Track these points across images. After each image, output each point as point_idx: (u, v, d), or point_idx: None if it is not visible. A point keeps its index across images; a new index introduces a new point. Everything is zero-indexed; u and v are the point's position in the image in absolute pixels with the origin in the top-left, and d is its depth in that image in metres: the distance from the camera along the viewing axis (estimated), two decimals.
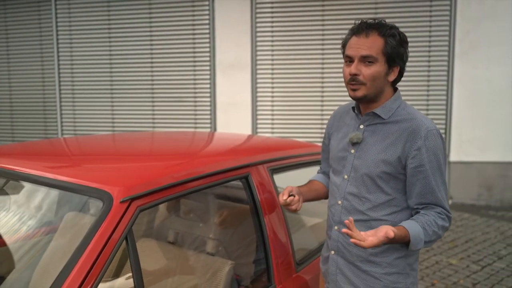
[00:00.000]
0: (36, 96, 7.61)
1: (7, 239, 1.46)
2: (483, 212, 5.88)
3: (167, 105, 6.99)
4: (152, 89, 7.04)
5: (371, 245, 1.35)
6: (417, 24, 6.05)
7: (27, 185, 1.54)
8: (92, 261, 1.12)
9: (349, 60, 1.57)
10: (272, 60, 6.55)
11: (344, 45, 1.61)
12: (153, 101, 7.06)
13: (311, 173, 2.29)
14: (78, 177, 1.35)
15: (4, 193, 1.61)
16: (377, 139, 1.57)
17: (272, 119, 6.62)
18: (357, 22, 1.60)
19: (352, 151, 1.61)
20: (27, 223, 1.49)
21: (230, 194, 2.06)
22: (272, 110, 6.61)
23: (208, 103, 6.82)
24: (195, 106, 6.90)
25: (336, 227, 1.66)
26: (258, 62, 6.58)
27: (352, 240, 1.36)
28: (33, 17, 7.41)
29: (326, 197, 1.81)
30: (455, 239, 4.86)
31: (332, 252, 1.68)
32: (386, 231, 1.37)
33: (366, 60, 1.52)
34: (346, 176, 1.63)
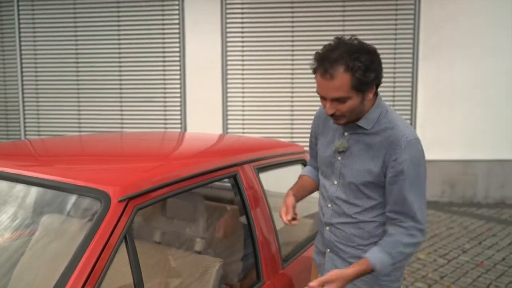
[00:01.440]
0: None
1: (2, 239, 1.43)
2: (447, 209, 6.12)
3: (136, 106, 6.90)
4: (121, 89, 6.92)
5: None
6: (383, 27, 6.23)
7: (18, 186, 1.51)
8: (94, 260, 1.12)
9: (321, 97, 1.56)
10: (242, 59, 6.58)
11: (313, 72, 1.58)
12: (121, 102, 6.95)
13: (293, 171, 2.34)
14: (74, 178, 1.34)
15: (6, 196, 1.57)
16: (361, 148, 1.60)
17: (243, 119, 6.65)
18: (318, 51, 1.56)
19: (339, 158, 1.65)
20: (24, 224, 1.47)
21: (217, 194, 2.08)
22: (243, 109, 6.64)
23: (178, 103, 6.78)
24: (165, 106, 6.84)
25: (327, 228, 1.72)
26: (228, 61, 6.60)
27: None
28: None
29: (317, 190, 1.85)
30: None
31: (328, 250, 1.74)
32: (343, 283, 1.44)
33: (338, 100, 1.51)
34: (335, 182, 1.67)
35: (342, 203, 1.64)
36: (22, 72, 7.16)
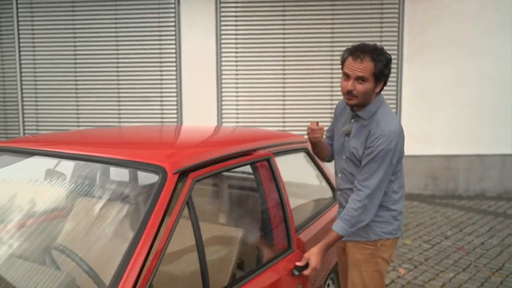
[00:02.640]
0: None
1: (89, 208, 1.71)
2: (430, 201, 6.50)
3: (133, 104, 7.13)
4: (118, 88, 7.16)
5: (316, 265, 1.99)
6: (370, 30, 6.59)
7: (92, 165, 1.81)
8: (157, 224, 1.39)
9: (346, 76, 2.01)
10: (236, 59, 6.87)
11: (342, 62, 2.05)
12: (119, 101, 7.18)
13: (297, 159, 2.65)
14: (137, 157, 1.63)
15: (79, 173, 1.85)
16: (357, 132, 2.08)
17: (237, 117, 6.94)
18: (355, 44, 2.06)
19: (346, 138, 2.15)
20: (96, 195, 1.75)
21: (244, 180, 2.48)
22: (237, 107, 6.93)
23: (175, 102, 7.04)
24: (162, 104, 7.09)
25: (339, 193, 2.23)
26: (223, 61, 6.88)
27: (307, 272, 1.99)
28: None
29: (326, 158, 2.33)
30: (407, 223, 5.40)
31: (341, 209, 2.24)
32: (316, 260, 2.01)
33: (360, 79, 1.97)
34: (343, 157, 2.16)
35: (346, 173, 2.14)
36: (21, 71, 7.34)
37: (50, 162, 1.94)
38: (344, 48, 6.60)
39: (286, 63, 6.75)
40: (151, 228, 1.38)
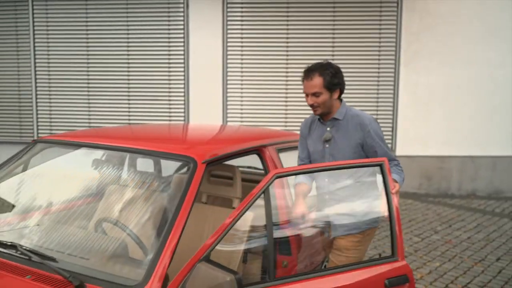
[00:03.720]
0: (11, 94, 7.83)
1: (130, 190, 2.10)
2: (423, 199, 6.87)
3: (142, 103, 7.49)
4: (128, 88, 7.51)
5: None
6: (368, 36, 6.96)
7: (133, 156, 2.20)
8: (191, 204, 1.78)
9: (306, 94, 2.45)
10: (242, 60, 7.22)
11: (302, 82, 2.47)
12: (129, 100, 7.54)
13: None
14: (170, 149, 2.02)
15: (121, 163, 2.25)
16: (341, 135, 2.44)
17: (241, 116, 7.29)
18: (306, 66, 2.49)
19: (327, 146, 2.49)
20: (136, 181, 2.14)
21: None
22: (241, 107, 7.28)
23: (182, 101, 7.39)
24: (169, 103, 7.45)
25: (327, 197, 2.57)
26: (229, 63, 7.23)
27: None
28: (9, 15, 7.65)
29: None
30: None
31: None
32: None
33: (315, 94, 2.39)
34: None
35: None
36: (35, 72, 7.70)
37: (96, 153, 2.33)
38: (344, 52, 6.99)
39: (289, 65, 7.10)
40: (186, 205, 1.76)
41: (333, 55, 6.99)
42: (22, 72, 7.74)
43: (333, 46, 7.02)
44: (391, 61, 7.02)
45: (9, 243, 1.77)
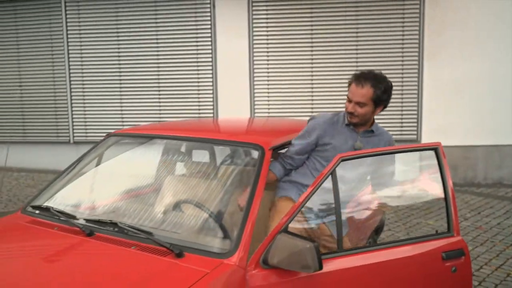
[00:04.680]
0: (47, 96, 8.17)
1: (205, 175, 2.36)
2: None
3: (172, 101, 7.76)
4: (159, 87, 7.80)
5: None
6: (392, 29, 7.11)
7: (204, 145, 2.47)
8: (263, 185, 2.03)
9: (349, 99, 2.41)
10: (268, 55, 7.42)
11: (348, 85, 2.44)
12: (159, 98, 7.82)
13: None
14: (241, 139, 2.29)
15: (188, 153, 2.52)
16: (371, 147, 2.42)
17: (268, 109, 7.51)
18: (357, 72, 2.45)
19: None
20: (212, 166, 2.41)
21: None
22: (268, 100, 7.49)
23: (211, 97, 7.65)
24: (199, 99, 7.71)
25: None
26: (255, 57, 7.43)
27: None
28: (43, 19, 7.96)
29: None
30: (430, 207, 5.95)
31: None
32: None
33: (359, 103, 2.35)
34: None
35: None
36: (69, 74, 8.02)
37: (168, 144, 2.60)
38: (368, 44, 7.16)
39: (314, 58, 7.27)
40: (260, 185, 2.00)
41: (357, 48, 7.16)
42: (57, 75, 8.07)
43: (357, 39, 7.18)
44: (414, 53, 7.17)
45: (109, 221, 2.03)
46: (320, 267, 1.74)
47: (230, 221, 2.04)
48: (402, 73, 7.22)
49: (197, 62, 7.63)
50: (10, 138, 8.30)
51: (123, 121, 7.94)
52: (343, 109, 2.49)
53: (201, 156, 2.84)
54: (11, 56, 8.19)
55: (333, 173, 1.98)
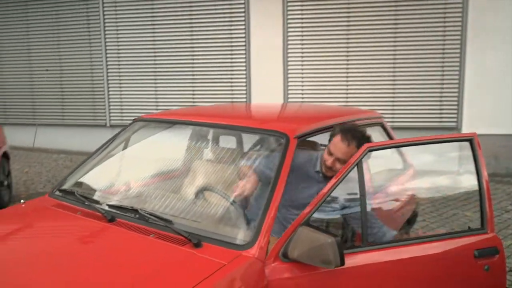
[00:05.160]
0: (85, 81, 8.37)
1: (229, 165, 2.33)
2: (491, 178, 6.70)
3: (206, 86, 7.77)
4: (193, 72, 7.81)
5: None
6: (433, 12, 6.78)
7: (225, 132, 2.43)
8: (287, 172, 1.97)
9: (329, 152, 2.21)
10: (302, 42, 7.28)
11: (331, 136, 2.25)
12: (193, 83, 7.84)
13: (373, 132, 3.12)
14: (269, 126, 2.23)
15: (215, 139, 2.49)
16: None
17: (302, 95, 7.38)
18: (343, 128, 2.22)
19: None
20: (235, 155, 2.37)
21: None
22: (302, 88, 7.37)
23: (244, 82, 7.59)
24: (232, 84, 7.67)
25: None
26: (289, 45, 7.31)
27: None
28: (81, 5, 8.11)
29: None
30: (468, 198, 5.71)
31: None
32: None
33: (339, 160, 2.17)
34: None
35: None
36: (106, 59, 8.16)
37: (191, 130, 2.58)
38: (408, 27, 6.86)
39: (350, 42, 7.06)
40: (283, 177, 1.94)
41: (396, 31, 6.89)
42: (94, 61, 8.23)
43: (396, 22, 6.90)
44: (456, 38, 6.83)
45: (130, 207, 2.03)
46: (342, 263, 1.67)
47: (251, 212, 1.99)
48: (443, 58, 6.90)
49: (231, 46, 7.57)
50: (50, 120, 8.58)
51: (157, 105, 8.02)
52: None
53: (228, 142, 2.80)
54: (51, 43, 8.42)
55: (359, 164, 1.89)
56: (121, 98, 8.23)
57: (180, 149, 2.54)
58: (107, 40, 8.09)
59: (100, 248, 1.86)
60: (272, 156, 2.22)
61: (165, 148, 2.57)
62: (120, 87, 8.20)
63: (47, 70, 8.38)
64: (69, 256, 1.76)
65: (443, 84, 6.94)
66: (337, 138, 2.19)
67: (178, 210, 2.05)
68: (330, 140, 2.23)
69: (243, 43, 7.48)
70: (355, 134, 2.19)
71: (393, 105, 6.98)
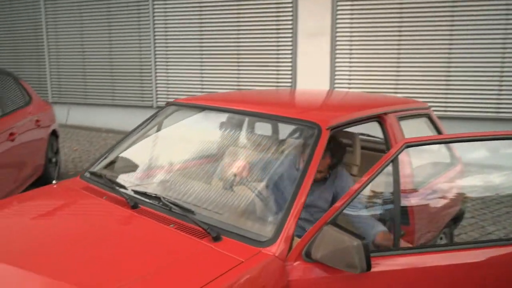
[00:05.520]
0: (133, 63, 8.53)
1: (258, 155, 2.25)
2: None
3: (251, 70, 7.68)
4: (238, 56, 7.73)
5: None
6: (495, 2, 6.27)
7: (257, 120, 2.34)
8: (315, 169, 1.85)
9: None
10: (351, 28, 6.99)
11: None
12: (238, 67, 7.76)
13: (417, 124, 2.91)
14: (302, 116, 2.11)
15: (250, 126, 2.41)
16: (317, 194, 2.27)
17: (349, 82, 7.12)
18: None
19: None
20: (266, 144, 2.29)
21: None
22: (350, 75, 7.10)
23: (290, 67, 7.42)
24: (277, 70, 7.53)
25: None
26: (338, 30, 7.05)
27: None
28: None
29: None
30: None
31: None
32: None
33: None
34: None
35: None
36: (154, 42, 8.26)
37: (223, 116, 2.50)
38: (465, 18, 6.39)
39: (402, 31, 6.71)
40: (311, 171, 1.82)
41: (452, 19, 6.45)
42: (143, 43, 8.36)
43: (452, 9, 6.45)
44: None
45: (153, 195, 1.98)
46: (368, 268, 1.54)
47: (275, 206, 1.89)
48: (504, 44, 6.39)
49: (277, 30, 7.41)
50: (101, 101, 8.84)
51: (202, 88, 8.04)
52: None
53: (263, 129, 2.71)
54: (102, 26, 8.62)
55: (394, 160, 1.73)
56: (167, 80, 8.32)
57: (209, 136, 2.46)
58: (155, 22, 8.18)
59: (117, 236, 1.82)
60: (301, 148, 2.10)
61: (196, 134, 2.50)
62: (167, 69, 8.29)
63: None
64: (83, 242, 1.74)
65: (503, 71, 6.45)
66: None
67: (201, 200, 1.98)
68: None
69: (290, 27, 7.30)
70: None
71: (446, 94, 6.58)
